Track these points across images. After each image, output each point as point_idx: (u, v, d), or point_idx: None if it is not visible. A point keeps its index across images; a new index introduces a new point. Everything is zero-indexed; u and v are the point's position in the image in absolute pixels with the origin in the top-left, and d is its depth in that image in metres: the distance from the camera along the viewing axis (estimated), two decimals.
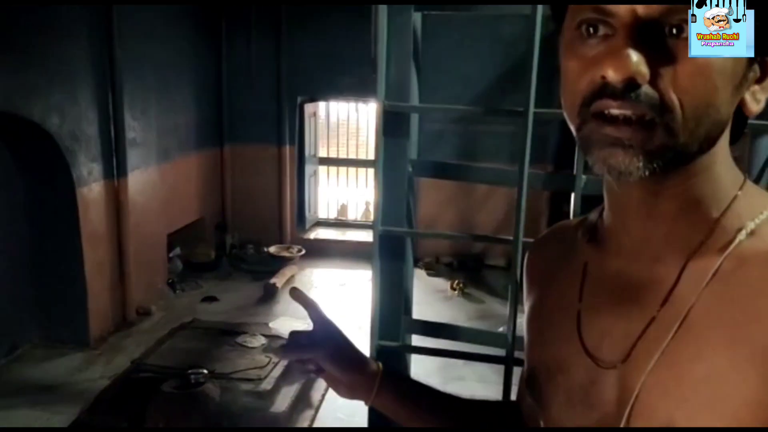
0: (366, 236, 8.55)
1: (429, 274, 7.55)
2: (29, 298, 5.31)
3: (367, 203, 9.23)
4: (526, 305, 0.96)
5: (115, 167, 5.55)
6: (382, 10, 1.83)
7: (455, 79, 7.31)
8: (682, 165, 0.68)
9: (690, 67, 0.62)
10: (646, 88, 0.63)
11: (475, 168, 2.79)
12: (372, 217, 1.89)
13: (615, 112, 0.64)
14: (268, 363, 4.62)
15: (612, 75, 0.62)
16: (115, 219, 5.65)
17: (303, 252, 7.75)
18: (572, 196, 1.78)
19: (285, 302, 6.63)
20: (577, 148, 1.85)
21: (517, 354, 1.94)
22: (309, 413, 4.55)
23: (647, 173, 0.65)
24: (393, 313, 2.02)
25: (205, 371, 4.28)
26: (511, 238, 1.80)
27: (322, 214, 9.00)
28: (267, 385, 4.40)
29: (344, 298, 6.82)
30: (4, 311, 5.05)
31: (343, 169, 9.24)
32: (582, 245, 0.85)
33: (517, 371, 1.83)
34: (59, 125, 4.86)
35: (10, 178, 5.04)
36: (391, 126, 1.79)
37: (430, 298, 6.87)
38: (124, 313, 5.83)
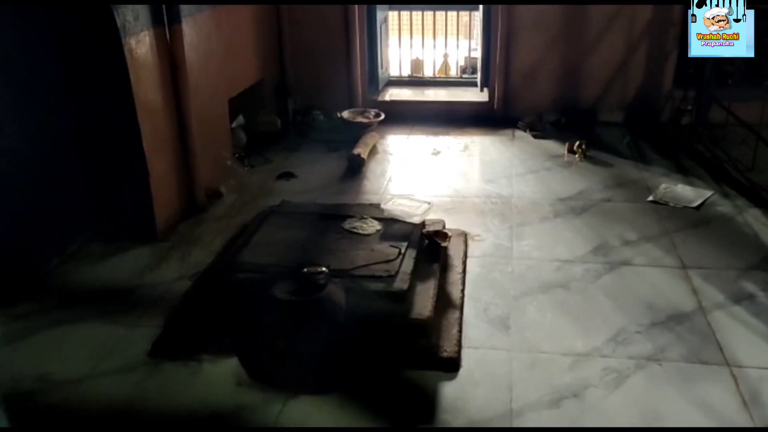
0: (447, 96, 7.27)
1: (535, 136, 6.34)
2: (78, 183, 4.25)
3: (446, 56, 7.83)
4: None
5: (164, 11, 4.28)
6: None
7: None
8: None
9: None
10: None
11: None
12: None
13: None
14: (398, 255, 3.56)
15: None
16: (171, 81, 4.45)
17: (382, 117, 6.52)
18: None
19: (374, 177, 5.53)
20: None
21: None
22: (454, 316, 3.54)
23: None
24: None
25: (324, 269, 3.24)
26: None
27: (394, 71, 7.64)
28: (401, 283, 3.35)
29: (442, 170, 5.66)
30: (50, 200, 4.01)
31: (417, 16, 7.73)
32: None
33: None
34: None
35: (44, 24, 3.82)
36: None
37: (547, 164, 5.70)
38: (192, 197, 4.77)
